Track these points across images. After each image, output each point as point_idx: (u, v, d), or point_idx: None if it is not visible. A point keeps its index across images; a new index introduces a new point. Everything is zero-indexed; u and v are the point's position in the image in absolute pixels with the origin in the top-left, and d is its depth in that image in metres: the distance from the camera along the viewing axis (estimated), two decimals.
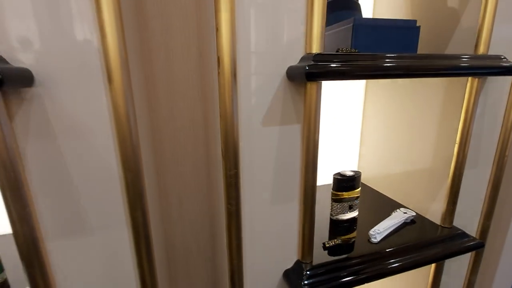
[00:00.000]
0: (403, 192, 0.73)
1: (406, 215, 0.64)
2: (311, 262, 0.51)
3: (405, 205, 0.72)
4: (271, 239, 0.49)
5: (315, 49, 0.41)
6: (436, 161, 0.63)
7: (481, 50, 0.52)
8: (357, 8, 0.64)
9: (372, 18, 0.58)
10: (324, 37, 0.41)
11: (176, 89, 0.56)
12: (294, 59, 0.42)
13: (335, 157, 0.87)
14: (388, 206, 0.72)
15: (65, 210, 0.37)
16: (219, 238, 0.64)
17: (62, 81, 0.33)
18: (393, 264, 0.52)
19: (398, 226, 0.63)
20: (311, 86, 0.42)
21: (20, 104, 0.32)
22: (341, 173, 0.64)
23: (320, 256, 0.53)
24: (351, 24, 0.49)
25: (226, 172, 0.41)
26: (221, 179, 0.48)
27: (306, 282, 0.47)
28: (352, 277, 0.50)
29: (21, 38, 0.31)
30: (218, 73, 0.38)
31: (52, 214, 0.36)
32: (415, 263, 0.53)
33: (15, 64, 0.31)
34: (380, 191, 0.80)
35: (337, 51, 0.46)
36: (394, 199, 0.75)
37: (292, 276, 0.50)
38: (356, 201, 0.65)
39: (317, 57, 0.39)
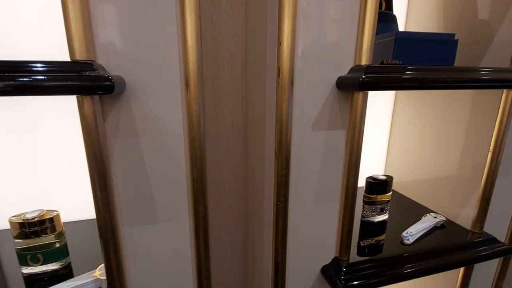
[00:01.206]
0: (432, 197, 0.75)
1: (437, 220, 0.67)
2: (348, 259, 0.54)
3: (433, 209, 0.74)
4: (312, 236, 0.53)
5: (364, 61, 0.44)
6: (467, 168, 0.65)
7: None
8: (394, 20, 0.67)
9: (413, 32, 0.61)
10: (372, 50, 0.44)
11: (222, 94, 0.60)
12: (343, 70, 0.45)
13: (363, 161, 0.89)
14: (416, 210, 0.74)
15: (139, 200, 0.41)
16: (251, 235, 0.68)
17: (147, 87, 0.38)
18: (426, 265, 0.55)
19: (429, 230, 0.65)
20: (358, 95, 0.45)
21: (112, 107, 0.37)
22: (374, 176, 0.67)
23: (354, 255, 0.56)
24: (394, 37, 0.52)
25: (278, 172, 0.45)
26: (262, 178, 0.52)
27: (343, 277, 0.51)
28: (386, 276, 0.53)
29: (117, 49, 0.36)
30: (277, 82, 0.42)
31: (128, 203, 0.41)
32: (448, 265, 0.56)
33: (112, 72, 0.36)
34: (407, 196, 0.82)
35: (381, 63, 0.49)
36: (422, 203, 0.78)
37: (330, 271, 0.53)
38: (387, 205, 0.68)
39: (368, 69, 0.42)
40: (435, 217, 0.68)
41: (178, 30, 0.37)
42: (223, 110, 0.62)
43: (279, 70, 0.41)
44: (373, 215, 0.67)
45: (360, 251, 0.58)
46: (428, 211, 0.73)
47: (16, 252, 0.48)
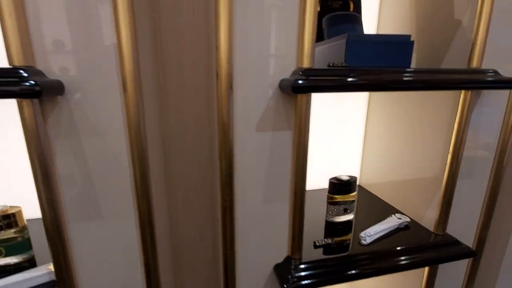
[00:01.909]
0: (401, 198, 0.75)
1: (400, 221, 0.67)
2: (300, 258, 0.55)
3: (402, 211, 0.74)
4: (263, 235, 0.54)
5: (306, 63, 0.45)
6: (431, 170, 0.65)
7: (475, 64, 0.54)
8: (358, 22, 0.67)
9: (366, 34, 0.61)
10: (314, 53, 0.45)
11: (186, 97, 0.62)
12: (287, 73, 0.46)
13: (339, 162, 0.90)
14: (385, 211, 0.74)
15: (84, 197, 0.43)
16: (218, 232, 0.69)
17: (86, 89, 0.40)
18: (380, 265, 0.55)
19: (391, 231, 0.65)
20: (301, 97, 0.46)
21: (52, 109, 0.39)
22: (337, 177, 0.67)
23: (311, 254, 0.57)
24: (345, 40, 0.53)
25: (222, 172, 0.47)
26: (215, 178, 0.53)
27: (292, 276, 0.52)
28: (337, 275, 0.53)
29: (55, 55, 0.38)
30: (217, 85, 0.43)
31: (73, 201, 0.43)
32: (403, 266, 0.56)
33: (51, 76, 0.38)
34: (381, 197, 0.82)
35: (328, 66, 0.50)
36: (393, 205, 0.77)
37: (281, 270, 0.54)
38: (352, 205, 0.68)
39: (306, 72, 0.43)
40: (399, 218, 0.67)
41: (113, 34, 0.39)
42: (188, 111, 0.63)
43: (217, 73, 0.43)
44: (336, 216, 0.68)
45: (316, 250, 0.59)
46: (396, 212, 0.72)
47: None
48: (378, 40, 0.54)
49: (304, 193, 0.52)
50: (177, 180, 0.66)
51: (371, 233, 0.61)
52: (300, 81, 0.40)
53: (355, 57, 0.53)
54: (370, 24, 0.79)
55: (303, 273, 0.52)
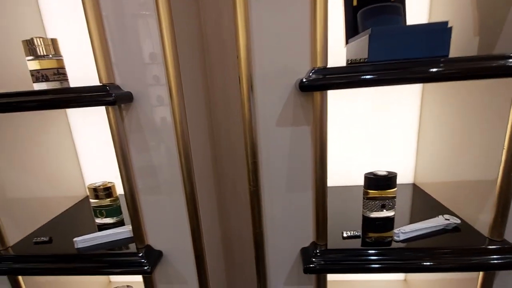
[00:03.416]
0: (456, 199, 0.68)
1: (447, 222, 0.62)
2: (325, 244, 0.59)
3: (457, 213, 0.67)
4: (290, 221, 0.60)
5: (319, 63, 0.49)
6: (487, 168, 0.58)
7: None
8: (397, 12, 0.65)
9: (394, 26, 0.57)
10: (326, 52, 0.49)
11: (230, 96, 0.73)
12: (303, 73, 0.51)
13: (393, 159, 0.86)
14: (435, 211, 0.69)
15: (148, 175, 0.58)
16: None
17: (146, 98, 0.54)
18: (410, 262, 0.54)
19: (435, 231, 0.61)
20: (317, 94, 0.50)
21: (127, 112, 0.55)
22: (373, 172, 0.67)
23: (339, 243, 0.60)
24: (368, 35, 0.53)
25: (247, 161, 0.55)
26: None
27: (314, 259, 0.56)
28: (359, 265, 0.55)
29: (128, 75, 0.53)
30: (239, 88, 0.52)
31: (142, 178, 0.59)
32: (429, 267, 0.53)
33: (125, 89, 0.54)
34: (435, 197, 0.76)
35: (347, 63, 0.52)
36: (446, 206, 0.71)
37: (305, 253, 0.59)
38: (390, 201, 0.66)
39: (316, 71, 0.47)
40: (446, 219, 0.62)
41: (162, 59, 0.52)
42: (231, 108, 0.74)
43: (239, 78, 0.51)
44: (373, 211, 0.67)
45: (346, 241, 0.60)
46: (447, 213, 0.66)
47: (92, 208, 0.73)
48: (408, 31, 0.53)
49: (325, 183, 0.55)
50: (225, 168, 0.77)
51: (406, 230, 0.59)
52: (304, 80, 0.45)
53: (380, 52, 0.53)
54: (420, 14, 0.73)
55: (324, 258, 0.56)
